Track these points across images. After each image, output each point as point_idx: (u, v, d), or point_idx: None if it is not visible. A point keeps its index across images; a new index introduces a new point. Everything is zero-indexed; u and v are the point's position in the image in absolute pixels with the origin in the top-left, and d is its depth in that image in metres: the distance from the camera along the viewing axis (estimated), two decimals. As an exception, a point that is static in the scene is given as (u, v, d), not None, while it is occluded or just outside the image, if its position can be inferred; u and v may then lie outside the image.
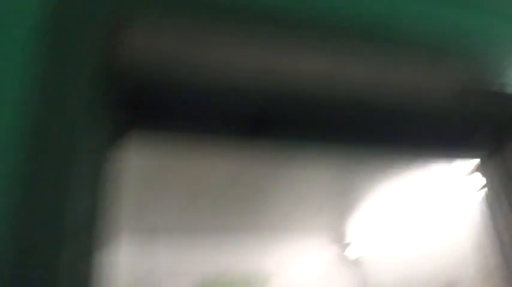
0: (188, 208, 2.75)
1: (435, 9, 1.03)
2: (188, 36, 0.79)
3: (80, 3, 0.75)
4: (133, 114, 0.88)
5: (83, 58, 0.72)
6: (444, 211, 2.58)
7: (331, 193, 2.53)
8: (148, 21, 0.77)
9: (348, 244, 3.52)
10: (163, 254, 3.25)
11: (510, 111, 1.21)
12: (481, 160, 1.36)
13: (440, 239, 2.65)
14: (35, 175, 0.64)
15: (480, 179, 1.47)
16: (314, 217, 3.00)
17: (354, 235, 3.34)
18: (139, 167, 1.95)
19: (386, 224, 2.98)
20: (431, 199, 2.59)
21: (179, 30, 0.79)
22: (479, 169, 1.39)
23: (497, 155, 1.32)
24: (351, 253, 3.58)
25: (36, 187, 0.64)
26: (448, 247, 2.56)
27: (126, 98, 0.82)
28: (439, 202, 2.57)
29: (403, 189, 2.47)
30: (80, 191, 0.68)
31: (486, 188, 1.37)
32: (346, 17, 0.92)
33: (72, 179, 0.68)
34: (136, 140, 0.92)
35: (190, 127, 0.99)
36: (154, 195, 2.46)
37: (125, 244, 3.09)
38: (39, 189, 0.64)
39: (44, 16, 0.73)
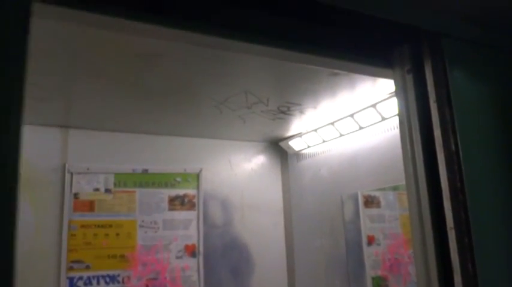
0: (108, 101, 2.62)
1: None
2: None
3: None
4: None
5: None
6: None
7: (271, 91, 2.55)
8: None
9: (288, 139, 3.68)
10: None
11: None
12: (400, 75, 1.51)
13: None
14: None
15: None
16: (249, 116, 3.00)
17: (295, 131, 3.53)
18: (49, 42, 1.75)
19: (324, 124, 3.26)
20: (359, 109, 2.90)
21: None
22: (396, 84, 1.53)
23: (416, 71, 1.47)
24: (290, 147, 3.75)
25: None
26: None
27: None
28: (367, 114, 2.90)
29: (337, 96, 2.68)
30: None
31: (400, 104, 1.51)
32: None
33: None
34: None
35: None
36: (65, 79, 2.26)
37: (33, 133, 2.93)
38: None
39: None
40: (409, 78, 1.60)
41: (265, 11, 1.43)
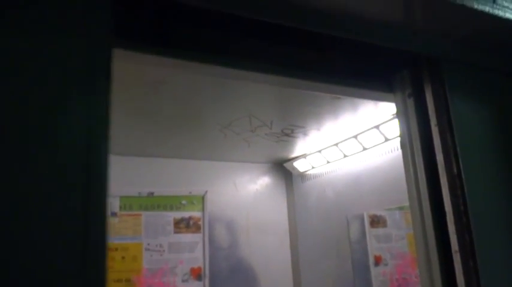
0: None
1: None
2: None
3: None
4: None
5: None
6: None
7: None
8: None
9: (293, 160, 3.70)
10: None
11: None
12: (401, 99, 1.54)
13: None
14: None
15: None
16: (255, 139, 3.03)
17: (299, 152, 3.56)
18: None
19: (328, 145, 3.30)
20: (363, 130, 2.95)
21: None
22: (398, 108, 1.56)
23: (416, 96, 1.50)
24: (295, 168, 3.77)
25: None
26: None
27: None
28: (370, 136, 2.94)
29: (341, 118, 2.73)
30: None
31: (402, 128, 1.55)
32: None
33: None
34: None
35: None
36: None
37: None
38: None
39: None
40: (410, 102, 1.62)
41: (266, 40, 1.47)
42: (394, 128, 2.68)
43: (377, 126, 2.78)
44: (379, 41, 1.46)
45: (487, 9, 1.43)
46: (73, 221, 0.86)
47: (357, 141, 3.02)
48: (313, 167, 3.60)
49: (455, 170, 1.46)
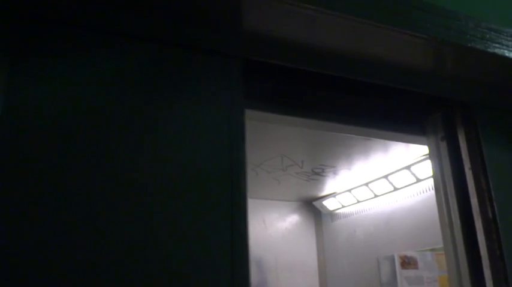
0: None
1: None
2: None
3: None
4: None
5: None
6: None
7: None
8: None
9: (322, 198, 3.70)
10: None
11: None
12: (434, 142, 1.54)
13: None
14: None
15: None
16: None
17: (329, 190, 3.58)
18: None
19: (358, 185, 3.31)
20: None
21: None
22: (431, 151, 1.56)
23: (449, 139, 1.49)
24: (324, 206, 3.77)
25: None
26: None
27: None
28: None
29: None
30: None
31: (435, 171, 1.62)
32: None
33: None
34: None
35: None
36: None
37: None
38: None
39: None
40: (443, 145, 1.65)
41: (302, 86, 1.53)
42: (425, 169, 2.68)
43: (408, 167, 2.79)
44: (412, 87, 1.50)
45: (518, 56, 1.47)
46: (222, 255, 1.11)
47: (388, 182, 3.03)
48: (342, 206, 3.59)
49: (490, 215, 1.46)
